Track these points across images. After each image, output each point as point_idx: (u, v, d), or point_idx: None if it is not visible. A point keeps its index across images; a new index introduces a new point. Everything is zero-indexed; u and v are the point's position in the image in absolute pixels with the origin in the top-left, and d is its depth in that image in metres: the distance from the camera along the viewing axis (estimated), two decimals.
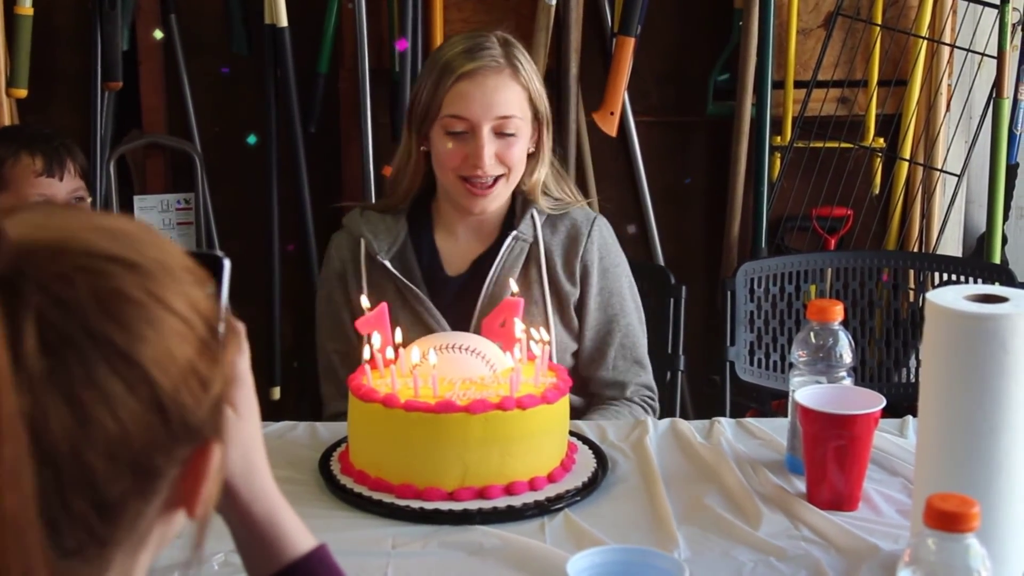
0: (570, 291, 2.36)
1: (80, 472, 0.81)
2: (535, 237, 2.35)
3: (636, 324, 2.41)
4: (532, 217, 2.35)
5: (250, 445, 1.12)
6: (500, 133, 2.26)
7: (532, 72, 2.31)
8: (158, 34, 3.45)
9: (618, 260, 2.41)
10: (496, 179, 2.28)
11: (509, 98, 2.26)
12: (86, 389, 0.81)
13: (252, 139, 3.52)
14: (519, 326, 2.01)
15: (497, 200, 2.32)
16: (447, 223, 2.40)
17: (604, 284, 2.38)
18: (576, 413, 2.25)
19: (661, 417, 2.33)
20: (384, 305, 2.03)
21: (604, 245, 2.39)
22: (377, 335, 1.98)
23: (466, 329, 2.24)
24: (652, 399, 2.40)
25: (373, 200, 3.36)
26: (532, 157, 2.35)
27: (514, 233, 2.34)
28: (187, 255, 1.13)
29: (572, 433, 2.07)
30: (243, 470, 1.12)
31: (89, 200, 2.73)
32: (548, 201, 2.38)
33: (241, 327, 1.14)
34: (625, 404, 2.36)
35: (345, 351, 2.34)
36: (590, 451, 2.04)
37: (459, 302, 2.32)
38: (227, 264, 1.14)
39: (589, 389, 2.40)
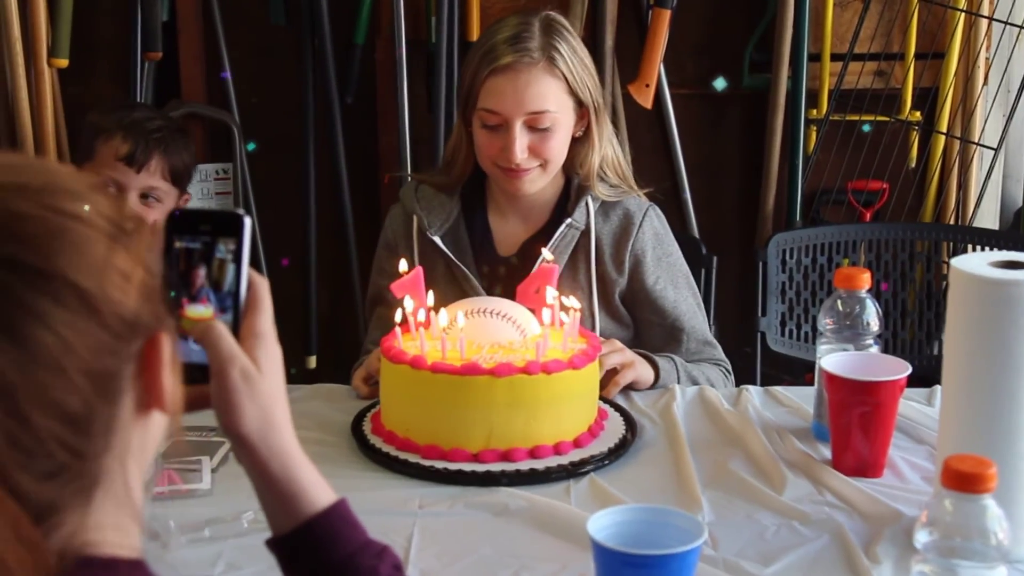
0: (615, 279, 2.37)
1: (35, 391, 0.84)
2: (587, 225, 2.35)
3: (696, 309, 2.41)
4: (587, 205, 2.35)
5: (269, 402, 1.13)
6: (534, 127, 2.26)
7: (575, 60, 2.27)
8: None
9: (671, 249, 2.41)
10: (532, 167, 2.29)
11: (542, 92, 2.24)
12: (13, 311, 0.84)
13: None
14: (551, 293, 2.03)
15: (535, 183, 2.31)
16: (499, 204, 2.41)
17: (659, 273, 2.38)
18: None
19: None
20: (419, 269, 2.06)
21: (656, 235, 2.39)
22: (410, 299, 2.00)
23: None
24: (729, 371, 2.41)
25: (409, 170, 3.38)
26: (582, 142, 2.34)
27: (568, 221, 2.34)
28: (206, 212, 1.16)
29: (606, 400, 2.09)
30: (260, 426, 1.13)
31: (165, 202, 2.68)
32: (604, 187, 2.36)
33: (264, 282, 1.16)
34: (705, 363, 2.37)
35: (385, 316, 2.37)
36: (621, 418, 2.05)
37: (506, 282, 2.33)
38: (247, 222, 1.16)
39: None
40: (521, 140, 2.24)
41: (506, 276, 2.35)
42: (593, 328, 2.31)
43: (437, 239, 2.35)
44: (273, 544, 1.17)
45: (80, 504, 0.90)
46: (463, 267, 2.34)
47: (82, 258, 0.88)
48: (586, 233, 2.35)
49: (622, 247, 2.36)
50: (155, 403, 0.94)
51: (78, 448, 0.88)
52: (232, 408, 1.11)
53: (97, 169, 2.60)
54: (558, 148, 2.29)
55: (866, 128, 3.48)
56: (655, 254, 2.38)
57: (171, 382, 0.95)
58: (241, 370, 1.11)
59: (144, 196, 2.64)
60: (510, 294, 2.25)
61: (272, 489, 1.15)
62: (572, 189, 2.37)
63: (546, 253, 2.20)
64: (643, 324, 2.40)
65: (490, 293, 2.31)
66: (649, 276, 2.37)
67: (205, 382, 1.12)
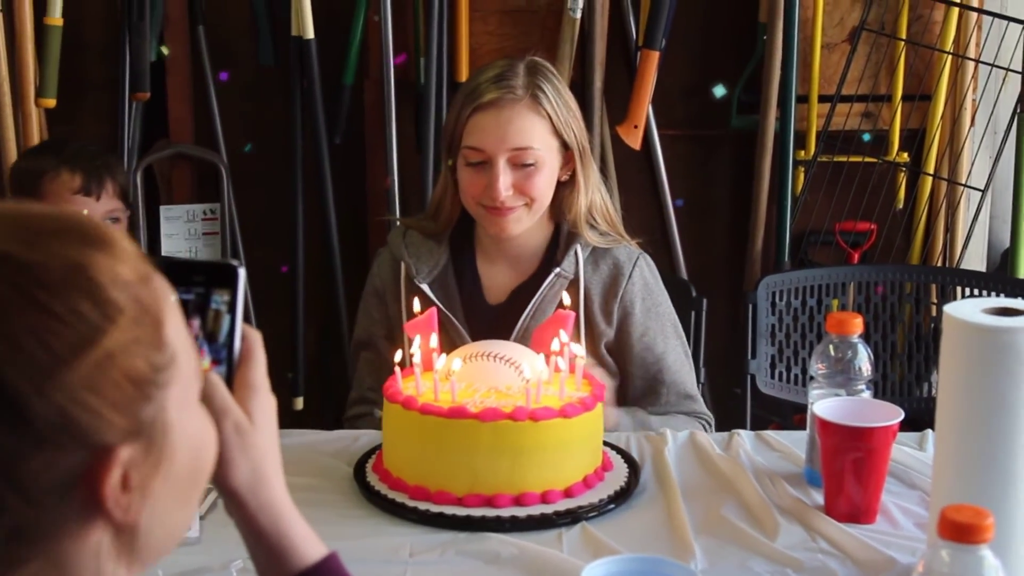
0: (604, 330, 2.36)
1: None
2: (576, 274, 2.34)
3: (683, 360, 2.39)
4: (576, 253, 2.34)
5: (261, 456, 1.12)
6: (518, 164, 2.25)
7: (559, 101, 2.27)
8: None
9: (660, 299, 2.39)
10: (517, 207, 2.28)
11: (525, 128, 2.24)
12: None
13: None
14: (562, 339, 2.01)
15: (520, 223, 2.30)
16: (488, 250, 2.39)
17: (648, 325, 2.36)
18: None
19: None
20: (433, 310, 2.07)
21: (645, 286, 2.37)
22: (421, 339, 2.00)
23: None
24: (709, 424, 2.39)
25: (398, 212, 3.37)
26: (568, 187, 2.34)
27: (556, 270, 2.33)
28: (200, 263, 1.15)
29: (619, 450, 2.08)
30: (251, 480, 1.12)
31: (125, 221, 2.74)
32: (594, 234, 2.35)
33: (257, 335, 1.16)
34: (679, 415, 2.36)
35: (374, 361, 2.38)
36: (626, 470, 2.02)
37: (495, 331, 2.29)
38: (242, 273, 1.15)
39: None
40: (505, 177, 2.23)
41: (494, 324, 2.33)
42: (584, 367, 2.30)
43: (425, 287, 2.34)
44: None
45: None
46: (450, 315, 2.33)
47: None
48: (575, 282, 2.34)
49: (611, 298, 2.35)
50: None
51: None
52: (223, 461, 1.10)
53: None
54: (543, 187, 2.28)
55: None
56: (644, 305, 2.36)
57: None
58: (234, 423, 1.10)
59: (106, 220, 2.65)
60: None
61: (262, 543, 1.14)
62: (561, 236, 2.36)
63: (565, 298, 2.20)
64: (626, 374, 2.38)
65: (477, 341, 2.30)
66: (636, 328, 2.35)
67: None
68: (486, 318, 2.35)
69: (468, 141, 2.25)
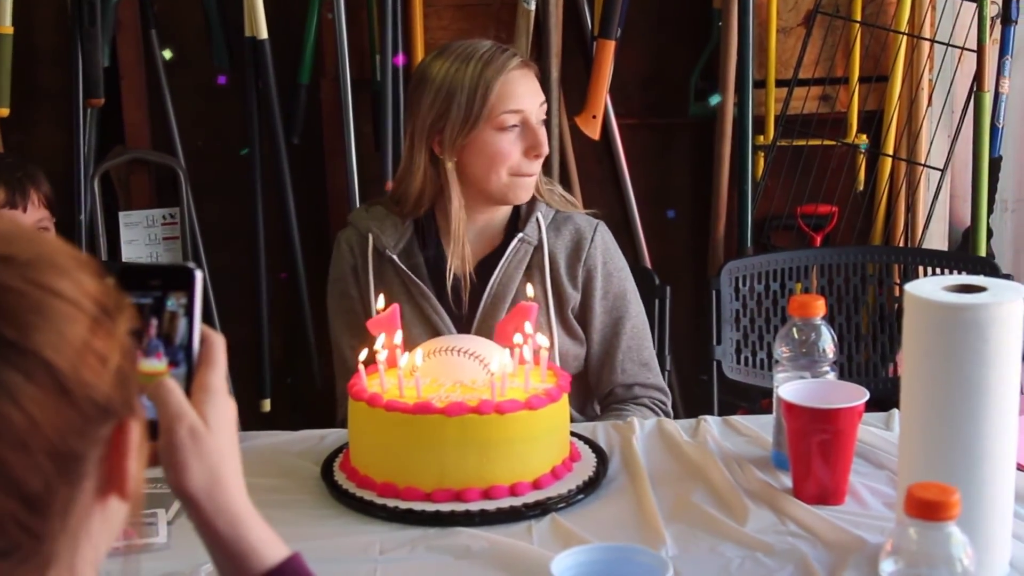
0: (571, 294, 2.38)
1: None
2: (539, 240, 2.37)
3: (641, 326, 2.43)
4: (537, 220, 2.38)
5: (217, 460, 1.11)
6: (539, 120, 2.33)
7: None
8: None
9: (620, 264, 2.44)
10: None
11: (539, 86, 2.36)
12: None
13: (246, 151, 3.51)
14: (526, 330, 2.01)
15: (534, 185, 2.37)
16: (452, 228, 2.39)
17: (608, 288, 2.39)
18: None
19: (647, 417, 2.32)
20: (396, 307, 2.05)
21: (607, 250, 2.41)
22: (383, 336, 1.98)
23: (468, 330, 2.30)
24: (663, 402, 2.42)
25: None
26: None
27: (520, 235, 2.36)
28: (155, 268, 1.14)
29: (587, 441, 2.08)
30: (207, 484, 1.10)
31: (52, 229, 2.69)
32: (554, 197, 2.43)
33: (219, 338, 1.14)
34: (636, 408, 2.36)
35: (362, 347, 2.35)
36: (594, 460, 2.02)
37: (463, 302, 2.34)
38: (199, 276, 1.14)
39: (600, 392, 2.42)
40: (543, 131, 2.32)
41: (460, 296, 2.35)
42: (552, 345, 2.30)
43: (395, 257, 2.34)
44: None
45: None
46: (421, 284, 2.33)
47: (60, 337, 0.86)
48: (539, 248, 2.36)
49: (575, 262, 2.38)
50: (117, 489, 0.92)
51: (33, 528, 0.85)
52: (179, 466, 1.09)
53: None
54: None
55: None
56: (606, 269, 2.40)
57: (136, 469, 0.93)
58: (189, 427, 1.09)
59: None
60: (468, 314, 2.26)
61: (221, 548, 1.13)
62: (522, 207, 2.39)
63: (529, 290, 2.22)
64: (587, 339, 2.41)
65: (448, 311, 2.31)
66: (598, 291, 2.39)
67: (156, 439, 1.09)
68: (454, 290, 2.36)
69: (507, 106, 2.28)
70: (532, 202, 2.39)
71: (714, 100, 3.48)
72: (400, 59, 3.36)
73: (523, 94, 2.31)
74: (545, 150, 2.32)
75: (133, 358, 0.93)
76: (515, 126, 2.30)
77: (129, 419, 0.92)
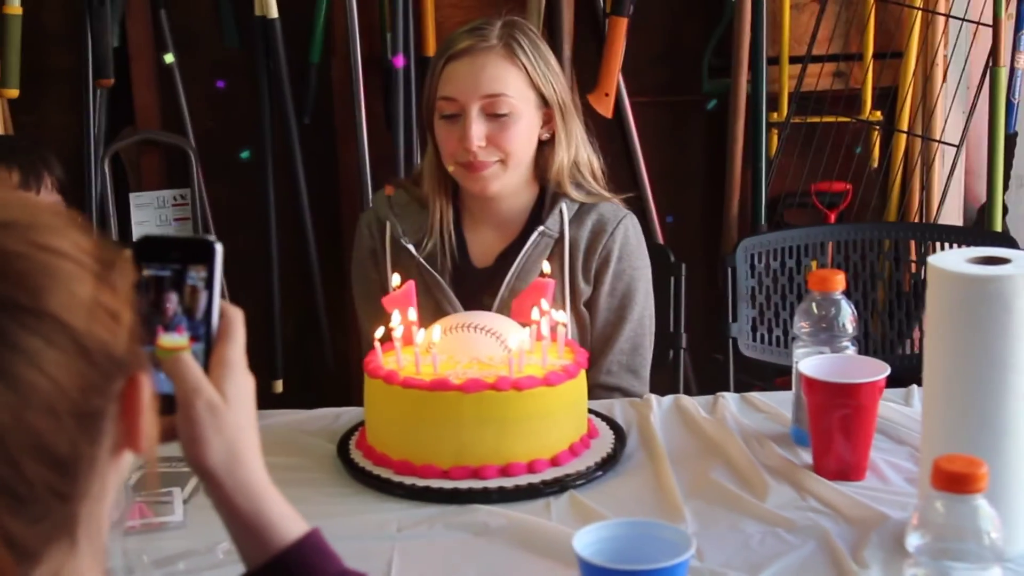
0: (583, 289, 2.34)
1: (26, 436, 0.81)
2: (561, 232, 2.31)
3: (641, 333, 2.36)
4: (561, 212, 2.32)
5: (236, 435, 1.09)
6: (492, 114, 2.23)
7: (536, 55, 2.26)
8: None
9: (636, 264, 2.36)
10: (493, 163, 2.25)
11: (498, 75, 2.22)
12: (7, 354, 0.81)
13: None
14: (543, 307, 1.99)
15: (497, 180, 2.27)
16: (473, 214, 2.37)
17: (616, 285, 2.34)
18: None
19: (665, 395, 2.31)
20: (411, 283, 2.04)
21: (625, 245, 2.34)
22: (397, 314, 1.97)
23: None
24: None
25: (370, 190, 3.34)
26: (550, 145, 2.31)
27: (540, 228, 2.31)
28: (176, 240, 1.13)
29: (604, 418, 2.06)
30: (226, 459, 1.09)
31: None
32: (580, 192, 2.33)
33: (238, 313, 1.13)
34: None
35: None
36: (612, 437, 2.00)
37: (480, 293, 2.30)
38: (219, 248, 1.13)
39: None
40: (477, 126, 2.21)
41: (480, 286, 2.32)
42: (567, 335, 2.28)
43: (411, 247, 2.32)
44: None
45: (62, 551, 0.86)
46: (437, 276, 2.30)
47: (72, 297, 0.85)
48: (560, 240, 2.31)
49: (591, 255, 2.33)
50: (132, 444, 0.92)
51: (63, 492, 0.85)
52: (197, 441, 1.08)
53: None
54: (518, 141, 2.25)
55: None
56: (619, 266, 2.34)
57: (149, 424, 0.93)
58: (207, 402, 1.08)
59: None
60: (482, 306, 2.22)
61: (240, 523, 1.12)
62: (546, 197, 2.34)
63: (545, 266, 2.18)
64: (591, 324, 2.37)
65: (464, 304, 2.28)
66: (605, 285, 2.33)
67: (174, 413, 1.08)
68: (472, 281, 2.33)
69: (442, 91, 2.24)
70: (556, 191, 2.33)
71: (710, 100, 3.47)
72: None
73: (460, 81, 2.22)
74: (471, 145, 2.21)
75: (136, 310, 0.92)
76: (452, 115, 2.24)
77: (139, 372, 0.91)
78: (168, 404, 1.09)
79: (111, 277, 0.89)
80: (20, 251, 0.84)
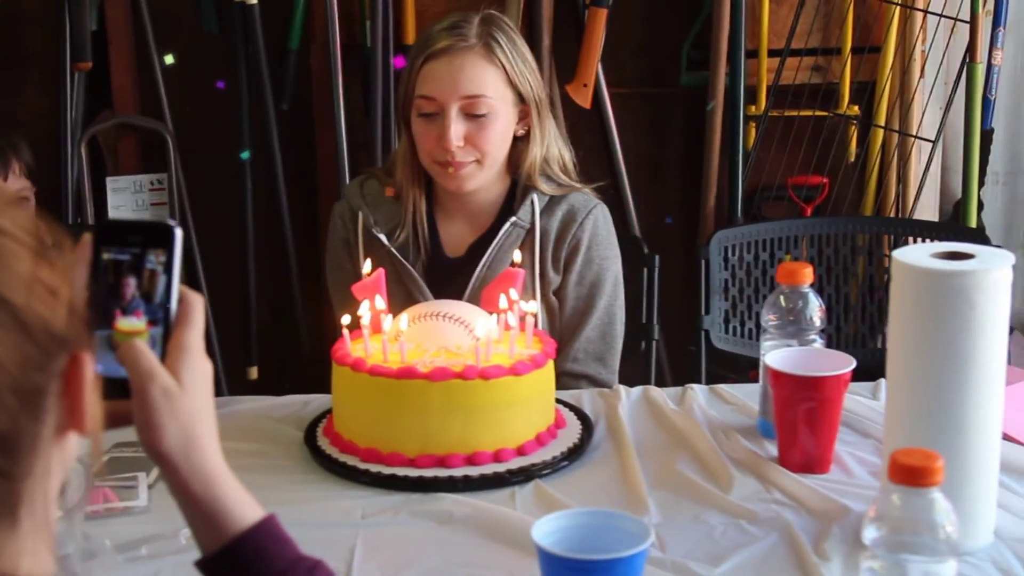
0: (553, 278, 2.35)
1: None
2: (532, 222, 2.32)
3: (608, 321, 2.37)
4: (532, 203, 2.33)
5: (192, 419, 1.09)
6: (470, 114, 2.23)
7: (515, 52, 2.26)
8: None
9: (606, 253, 2.37)
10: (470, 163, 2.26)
11: (478, 76, 2.23)
12: None
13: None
14: (512, 296, 1.99)
15: (473, 179, 2.28)
16: (445, 205, 2.38)
17: (584, 274, 2.35)
18: None
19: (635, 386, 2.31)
20: (381, 271, 2.04)
21: (595, 235, 2.35)
22: (366, 303, 1.97)
23: None
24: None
25: (347, 178, 3.33)
26: (524, 141, 2.32)
27: (512, 219, 2.32)
28: (136, 223, 1.13)
29: (572, 408, 2.07)
30: (181, 445, 1.09)
31: (33, 199, 2.66)
32: (550, 185, 2.34)
33: (198, 298, 1.13)
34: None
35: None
36: (579, 427, 2.00)
37: (452, 283, 2.30)
38: (178, 233, 1.13)
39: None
40: (456, 127, 2.22)
41: (451, 277, 2.32)
42: (536, 325, 2.28)
43: (382, 237, 2.32)
44: (202, 565, 1.14)
45: (4, 529, 0.87)
46: (408, 266, 2.31)
47: (9, 272, 0.85)
48: (531, 231, 2.32)
49: (560, 244, 2.34)
50: (76, 424, 0.92)
51: (4, 469, 0.85)
52: (152, 426, 1.08)
53: None
54: (495, 140, 2.26)
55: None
56: (588, 255, 2.34)
57: (93, 403, 0.93)
58: (162, 388, 1.08)
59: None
60: (453, 296, 2.22)
61: (195, 509, 1.12)
62: (518, 189, 2.35)
63: (516, 255, 2.18)
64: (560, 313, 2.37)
65: (436, 294, 2.29)
66: (573, 274, 2.34)
67: (129, 397, 1.08)
68: (444, 271, 2.34)
69: (420, 90, 2.24)
70: (527, 184, 2.34)
71: (709, 106, 3.47)
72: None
73: (439, 81, 2.22)
74: (450, 145, 2.21)
75: (79, 290, 0.92)
76: (431, 114, 2.24)
77: (82, 352, 0.91)
78: (125, 388, 1.09)
79: (49, 254, 0.89)
80: None
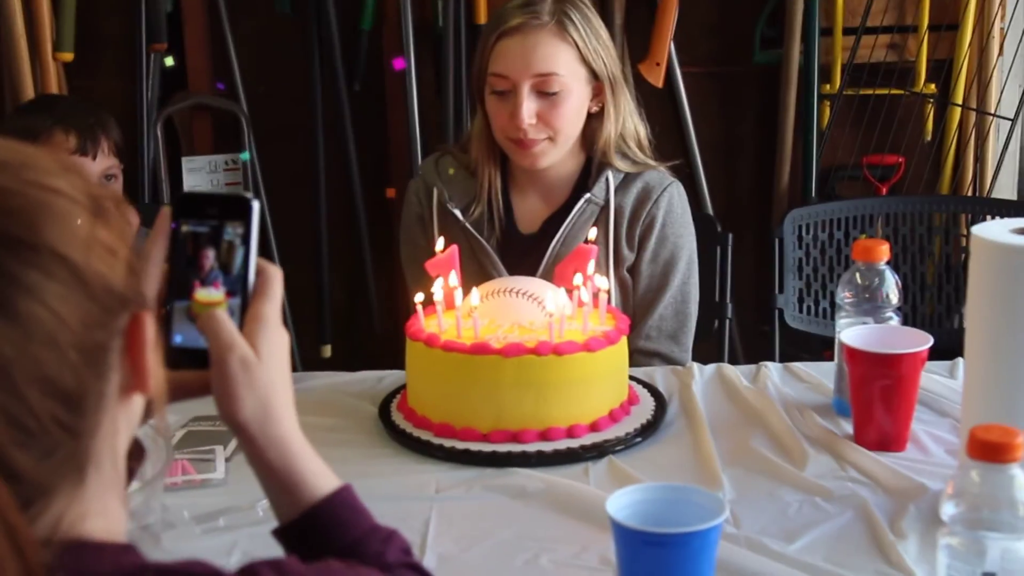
0: (627, 255, 2.35)
1: (30, 368, 0.83)
2: (607, 200, 2.33)
3: (683, 300, 2.37)
4: (607, 180, 2.33)
5: (269, 391, 1.10)
6: (542, 92, 2.23)
7: (588, 30, 2.25)
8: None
9: (680, 231, 2.37)
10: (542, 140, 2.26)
11: (551, 54, 2.22)
12: (6, 288, 0.82)
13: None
14: (585, 272, 1.99)
15: (546, 157, 2.29)
16: (519, 181, 2.39)
17: (659, 252, 2.35)
18: None
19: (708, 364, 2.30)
20: (455, 248, 2.04)
21: (670, 212, 2.35)
22: (440, 279, 1.98)
23: None
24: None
25: (419, 158, 3.34)
26: (599, 118, 2.32)
27: (587, 196, 2.32)
28: (213, 196, 1.14)
29: (646, 384, 2.07)
30: (259, 415, 1.10)
31: (121, 177, 2.69)
32: (625, 163, 2.34)
33: (277, 270, 1.14)
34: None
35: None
36: (653, 404, 2.00)
37: (526, 259, 2.31)
38: (255, 205, 1.14)
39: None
40: (528, 104, 2.22)
41: (525, 253, 2.33)
42: (609, 302, 2.28)
43: (457, 212, 2.33)
44: (279, 534, 1.15)
45: (71, 487, 0.88)
46: (483, 241, 2.32)
47: (68, 231, 0.86)
48: (605, 207, 2.32)
49: (635, 221, 2.34)
50: (139, 384, 0.93)
51: (72, 426, 0.86)
52: (230, 396, 1.09)
53: None
54: (568, 118, 2.26)
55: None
56: (662, 232, 2.34)
57: (154, 364, 0.94)
58: (240, 358, 1.09)
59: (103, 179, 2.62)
60: (527, 272, 2.22)
61: (272, 478, 1.13)
62: (593, 165, 2.35)
63: (591, 232, 2.18)
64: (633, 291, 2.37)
65: (509, 270, 2.29)
66: (648, 251, 2.34)
67: (208, 368, 1.10)
68: (518, 247, 2.35)
69: (493, 68, 2.25)
70: (602, 161, 2.34)
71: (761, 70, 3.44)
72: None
73: (512, 59, 2.23)
74: (521, 123, 2.22)
75: (137, 252, 0.94)
76: (503, 91, 2.25)
77: (142, 312, 0.92)
78: (203, 359, 1.10)
79: (106, 215, 0.90)
80: (14, 188, 0.86)
